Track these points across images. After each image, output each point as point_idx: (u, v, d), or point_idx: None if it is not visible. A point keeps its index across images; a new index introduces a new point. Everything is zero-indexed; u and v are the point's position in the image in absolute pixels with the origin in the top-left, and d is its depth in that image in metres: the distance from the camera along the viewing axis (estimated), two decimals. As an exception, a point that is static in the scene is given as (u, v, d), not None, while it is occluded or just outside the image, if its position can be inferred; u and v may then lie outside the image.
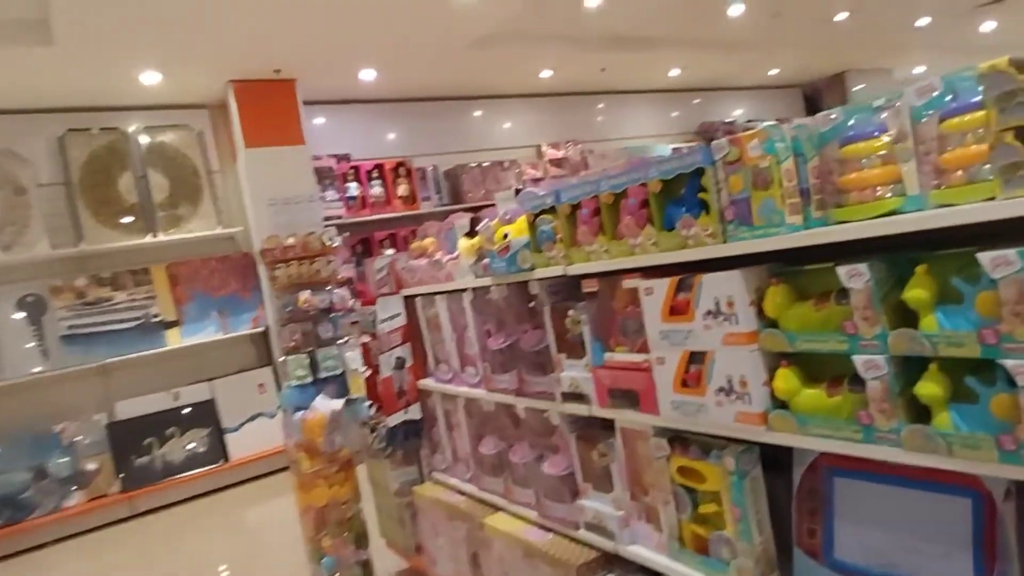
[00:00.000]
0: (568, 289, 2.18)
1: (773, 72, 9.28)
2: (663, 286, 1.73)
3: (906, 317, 1.33)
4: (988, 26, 8.73)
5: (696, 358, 1.68)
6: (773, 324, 1.54)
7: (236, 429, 5.76)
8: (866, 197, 1.40)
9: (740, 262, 1.58)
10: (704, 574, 1.78)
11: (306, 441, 3.19)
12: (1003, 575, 1.32)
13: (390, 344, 3.06)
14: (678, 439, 1.87)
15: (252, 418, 5.83)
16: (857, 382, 1.43)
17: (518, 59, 6.49)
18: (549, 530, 2.38)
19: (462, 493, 2.91)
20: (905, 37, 8.52)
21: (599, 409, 2.04)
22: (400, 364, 3.09)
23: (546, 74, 7.18)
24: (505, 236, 2.23)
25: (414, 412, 3.12)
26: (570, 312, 2.11)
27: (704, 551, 1.82)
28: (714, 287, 1.60)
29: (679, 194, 1.70)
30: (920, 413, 1.33)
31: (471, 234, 2.65)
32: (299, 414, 3.29)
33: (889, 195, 1.36)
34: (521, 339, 2.36)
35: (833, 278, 1.44)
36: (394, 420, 3.07)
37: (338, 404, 3.42)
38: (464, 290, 2.61)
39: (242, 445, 5.72)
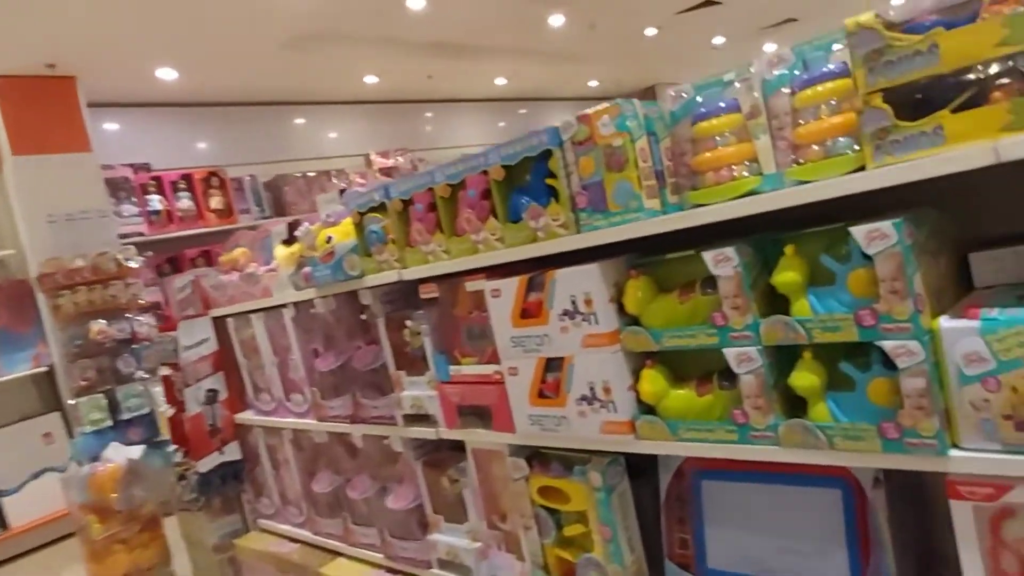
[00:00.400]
0: (404, 296, 1.92)
1: (592, 84, 9.63)
2: (511, 286, 1.53)
3: (774, 304, 1.23)
4: (770, 47, 9.68)
5: (553, 365, 1.50)
6: (635, 321, 1.39)
7: (16, 490, 4.82)
8: (722, 178, 1.28)
9: (595, 254, 1.42)
10: (574, 605, 1.60)
11: (95, 501, 2.64)
12: (879, 566, 1.25)
13: (197, 375, 2.61)
14: (537, 457, 1.67)
15: (36, 475, 4.90)
16: (727, 377, 1.31)
17: (340, 62, 6.12)
18: (397, 572, 2.10)
19: (295, 541, 2.53)
20: (704, 54, 9.19)
21: (447, 431, 1.80)
22: (211, 398, 2.65)
23: (372, 80, 6.87)
24: (329, 240, 1.93)
25: (232, 452, 2.69)
26: (408, 322, 1.85)
27: (572, 578, 1.64)
28: (569, 284, 1.42)
29: (524, 181, 1.51)
30: (795, 406, 1.23)
31: (290, 241, 2.31)
32: (86, 468, 2.73)
33: (746, 174, 1.25)
34: (354, 357, 2.07)
35: (697, 266, 1.32)
36: (207, 464, 2.62)
37: (135, 452, 2.90)
38: (284, 306, 2.26)
39: (24, 509, 4.79)
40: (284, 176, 6.59)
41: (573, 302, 1.42)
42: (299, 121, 7.16)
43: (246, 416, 2.66)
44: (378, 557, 2.16)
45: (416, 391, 1.86)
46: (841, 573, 1.32)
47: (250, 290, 2.40)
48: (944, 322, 1.02)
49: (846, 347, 1.15)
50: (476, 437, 1.74)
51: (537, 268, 1.50)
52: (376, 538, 2.15)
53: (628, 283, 1.38)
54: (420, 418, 1.89)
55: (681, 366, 1.39)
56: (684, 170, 1.36)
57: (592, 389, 1.42)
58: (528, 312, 1.51)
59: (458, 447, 1.91)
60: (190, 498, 2.67)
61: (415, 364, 1.90)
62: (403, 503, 2.02)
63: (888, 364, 1.09)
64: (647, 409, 1.40)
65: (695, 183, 1.33)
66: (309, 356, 2.26)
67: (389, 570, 2.13)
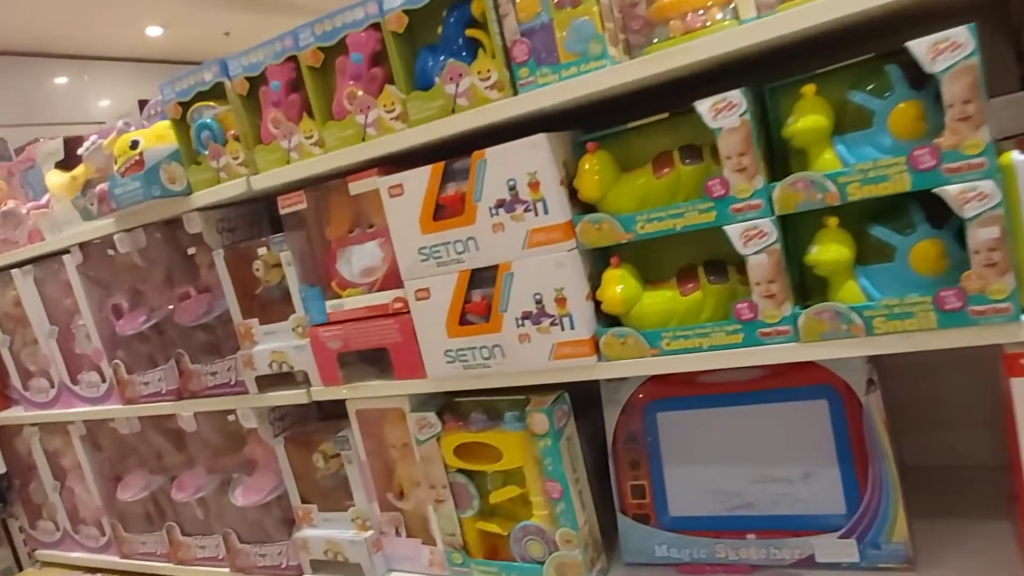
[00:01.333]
0: (253, 217, 1.45)
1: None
2: (419, 179, 1.15)
3: (777, 167, 0.99)
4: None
5: (481, 279, 1.14)
6: (590, 210, 1.08)
7: None
8: (691, 24, 1.01)
9: (529, 131, 1.08)
10: (509, 587, 1.27)
11: None
12: (879, 477, 1.07)
13: (-67, 363, 1.88)
14: (449, 409, 1.31)
15: None
16: (715, 271, 1.05)
17: (114, 5, 5.15)
18: (252, 588, 1.62)
19: (95, 572, 1.92)
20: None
21: (325, 389, 1.37)
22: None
23: (155, 32, 5.90)
24: (135, 146, 1.39)
25: (-8, 465, 1.99)
26: (261, 251, 1.39)
27: (501, 555, 1.30)
28: (505, 164, 1.07)
29: (435, 37, 1.13)
30: (805, 295, 1.00)
31: (68, 165, 1.69)
32: None
33: (721, 17, 0.99)
34: (177, 311, 1.54)
35: (669, 135, 1.05)
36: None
37: None
38: (66, 251, 1.66)
39: None
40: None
41: (512, 188, 1.07)
42: (60, 80, 5.98)
43: (11, 414, 1.97)
44: (223, 572, 1.65)
45: (275, 343, 1.40)
46: (834, 493, 1.12)
47: (9, 235, 1.75)
48: (1017, 156, 0.83)
49: (871, 212, 0.94)
50: (370, 392, 1.33)
51: (451, 156, 1.13)
52: (219, 548, 1.64)
53: (584, 161, 1.06)
54: (280, 379, 1.44)
55: (643, 267, 1.10)
56: (637, 23, 1.08)
57: (540, 303, 1.09)
58: (444, 211, 1.14)
59: (333, 413, 1.49)
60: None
61: (271, 308, 1.45)
62: (256, 496, 1.55)
63: (934, 222, 0.89)
64: (609, 322, 1.10)
65: (656, 36, 1.05)
66: (107, 318, 1.68)
67: (239, 586, 1.64)
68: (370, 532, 1.43)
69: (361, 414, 1.40)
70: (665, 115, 1.05)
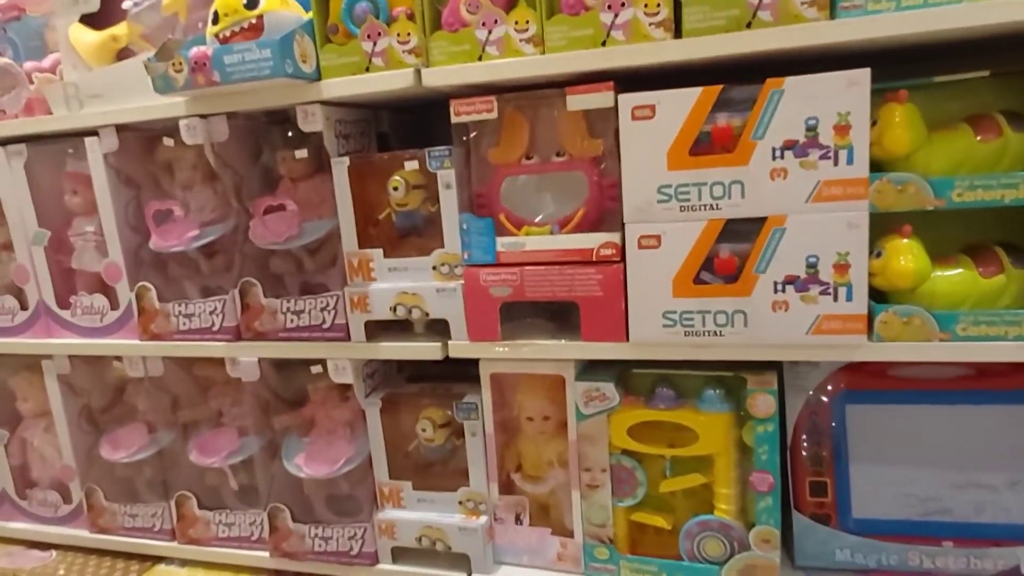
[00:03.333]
0: (364, 126, 1.18)
1: None
2: (682, 102, 0.95)
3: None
4: None
5: (736, 233, 0.96)
6: (880, 168, 0.94)
7: None
8: None
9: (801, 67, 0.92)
10: (679, 591, 1.11)
11: None
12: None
13: None
14: (625, 381, 1.12)
15: None
16: (1017, 256, 0.95)
17: None
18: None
19: (48, 547, 1.51)
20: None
21: (472, 345, 1.13)
22: None
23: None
24: (253, 6, 1.06)
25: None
26: (410, 165, 1.11)
27: (662, 552, 1.14)
28: (807, 100, 0.90)
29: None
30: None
31: (97, 21, 1.28)
32: None
33: None
34: (258, 227, 1.21)
35: (976, 97, 0.94)
36: None
37: None
38: (90, 132, 1.25)
39: None
40: None
41: (811, 129, 0.90)
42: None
43: None
44: (255, 556, 1.34)
45: (404, 282, 1.13)
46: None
47: (-5, 103, 1.30)
48: None
49: None
50: (538, 353, 1.10)
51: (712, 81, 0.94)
52: (255, 527, 1.33)
53: (892, 111, 0.92)
54: (399, 327, 1.18)
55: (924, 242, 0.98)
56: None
57: (813, 267, 0.94)
58: (706, 146, 0.95)
59: (431, 375, 1.25)
60: None
61: (399, 240, 1.17)
62: (328, 466, 1.26)
63: None
64: (879, 298, 0.97)
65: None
66: (136, 228, 1.30)
67: (276, 573, 1.34)
68: (484, 518, 1.21)
69: (498, 379, 1.17)
70: (985, 73, 0.93)
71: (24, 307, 1.40)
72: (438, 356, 1.14)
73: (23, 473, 1.53)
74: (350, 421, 1.28)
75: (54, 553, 1.49)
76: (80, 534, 1.48)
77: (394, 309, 1.14)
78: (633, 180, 0.99)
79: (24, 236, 1.36)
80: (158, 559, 1.43)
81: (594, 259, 1.03)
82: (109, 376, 1.44)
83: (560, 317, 1.12)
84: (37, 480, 1.52)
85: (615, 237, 1.02)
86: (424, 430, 1.22)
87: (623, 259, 1.02)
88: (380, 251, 1.15)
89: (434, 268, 1.12)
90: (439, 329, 1.14)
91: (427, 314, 1.13)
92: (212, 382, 1.35)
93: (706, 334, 1.00)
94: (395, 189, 1.12)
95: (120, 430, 1.44)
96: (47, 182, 1.35)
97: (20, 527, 1.53)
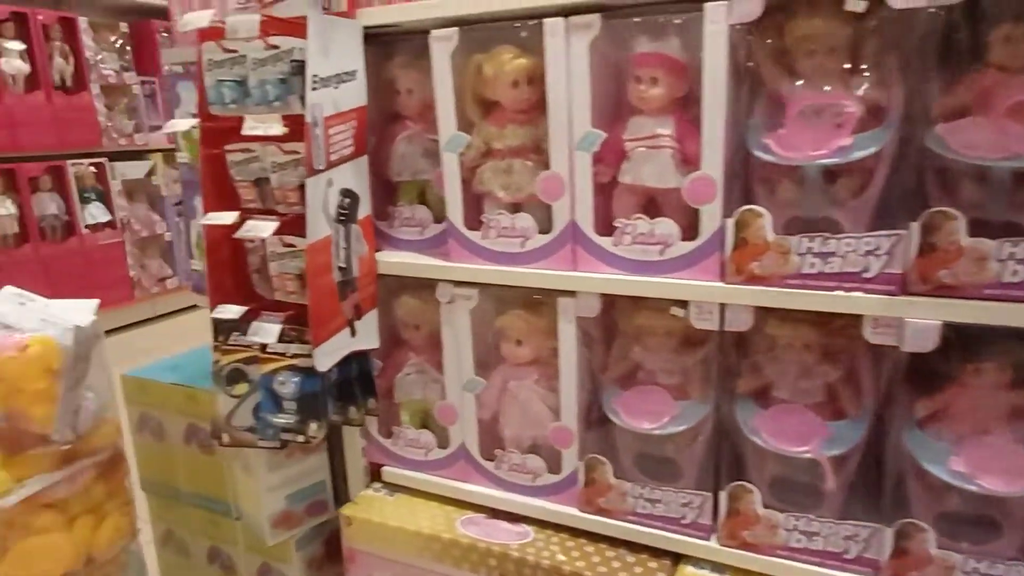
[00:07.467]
0: None
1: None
2: None
3: None
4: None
5: None
6: None
7: None
8: None
9: None
10: None
11: None
12: None
13: (330, 152, 1.14)
14: None
15: None
16: None
17: None
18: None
19: (507, 517, 1.27)
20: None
21: None
22: (347, 210, 1.20)
23: None
24: None
25: (367, 331, 1.28)
26: None
27: None
28: None
29: None
30: None
31: None
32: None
33: None
34: (978, 128, 0.83)
35: None
36: (327, 355, 1.19)
37: (83, 313, 1.36)
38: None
39: None
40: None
41: None
42: None
43: (392, 259, 1.28)
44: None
45: None
46: None
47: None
48: None
49: None
50: None
51: None
52: (854, 542, 1.00)
53: None
54: None
55: None
56: None
57: None
58: None
59: None
60: (270, 429, 1.23)
61: None
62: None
63: None
64: None
65: None
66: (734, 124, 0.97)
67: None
68: None
69: None
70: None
71: (544, 231, 1.12)
72: None
73: (490, 429, 1.28)
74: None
75: (530, 530, 1.24)
76: (566, 511, 1.21)
77: None
78: None
79: (567, 137, 1.06)
80: (679, 557, 1.14)
81: None
82: (630, 326, 1.13)
83: None
84: (512, 439, 1.26)
85: None
86: None
87: None
88: None
89: None
90: None
91: None
92: (832, 347, 1.01)
93: None
94: None
95: (626, 393, 1.15)
96: (600, 69, 1.04)
97: (473, 489, 1.29)
